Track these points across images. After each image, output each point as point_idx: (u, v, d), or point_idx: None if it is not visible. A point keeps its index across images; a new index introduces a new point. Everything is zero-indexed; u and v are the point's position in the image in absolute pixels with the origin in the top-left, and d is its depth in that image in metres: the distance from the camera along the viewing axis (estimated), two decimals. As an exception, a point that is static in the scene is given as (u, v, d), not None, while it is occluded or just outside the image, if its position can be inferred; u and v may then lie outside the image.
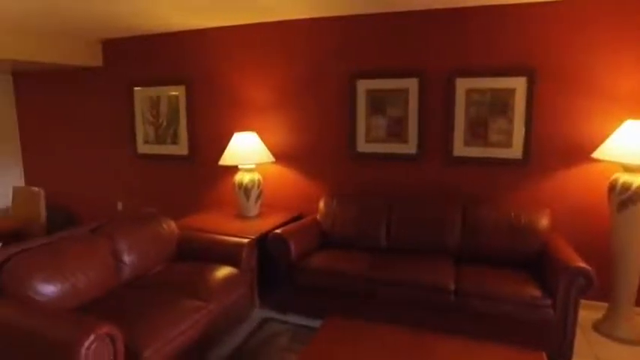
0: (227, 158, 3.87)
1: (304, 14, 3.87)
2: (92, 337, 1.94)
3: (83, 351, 1.91)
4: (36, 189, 3.69)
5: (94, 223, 3.03)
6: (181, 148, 4.67)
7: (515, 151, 3.56)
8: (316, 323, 3.27)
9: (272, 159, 4.01)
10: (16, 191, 3.91)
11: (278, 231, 3.35)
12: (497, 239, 3.29)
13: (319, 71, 4.02)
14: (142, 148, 4.93)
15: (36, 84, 5.68)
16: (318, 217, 3.83)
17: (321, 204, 3.85)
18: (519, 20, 3.42)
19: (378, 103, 3.89)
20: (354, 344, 2.31)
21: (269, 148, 4.08)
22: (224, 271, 3.02)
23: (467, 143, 3.68)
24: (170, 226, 3.32)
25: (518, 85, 3.47)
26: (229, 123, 4.41)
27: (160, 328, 2.32)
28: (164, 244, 3.23)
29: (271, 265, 3.47)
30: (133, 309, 2.48)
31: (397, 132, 3.86)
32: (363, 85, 3.90)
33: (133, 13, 3.75)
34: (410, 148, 3.83)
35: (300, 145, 4.17)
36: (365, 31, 3.83)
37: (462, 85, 3.61)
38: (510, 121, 3.54)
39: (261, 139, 4.07)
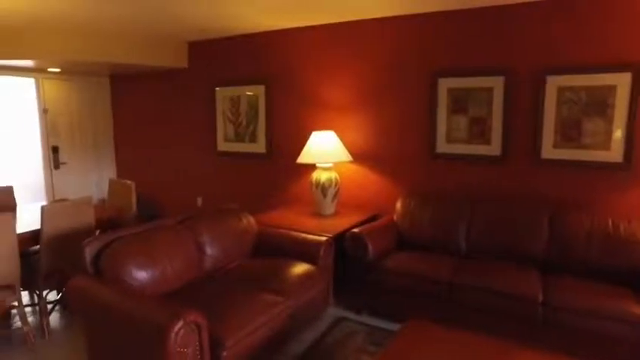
0: (305, 156, 3.91)
1: (384, 13, 3.82)
2: (181, 323, 2.04)
3: (172, 335, 2.01)
4: (128, 182, 3.97)
5: (180, 216, 3.19)
6: (259, 146, 4.80)
7: (615, 154, 3.25)
8: (392, 325, 3.21)
9: (349, 158, 4.00)
10: (112, 183, 4.23)
11: (356, 230, 3.33)
12: (591, 250, 3.03)
13: (399, 70, 3.95)
14: (222, 146, 5.13)
15: (128, 85, 6.14)
16: (394, 217, 3.76)
17: (398, 205, 3.77)
18: (621, 11, 3.12)
19: (459, 102, 3.74)
20: (435, 350, 2.22)
21: (347, 147, 4.08)
22: (301, 268, 3.04)
23: (557, 145, 3.42)
24: (249, 221, 3.42)
25: (621, 81, 3.17)
26: (307, 122, 4.46)
27: (241, 320, 2.38)
28: (243, 239, 3.33)
29: (347, 264, 3.45)
30: (215, 300, 2.57)
31: (480, 132, 3.68)
32: (444, 84, 3.77)
33: (219, 16, 3.91)
34: (493, 149, 3.64)
35: (378, 144, 4.12)
36: (447, 28, 3.70)
37: (553, 82, 3.37)
38: (609, 121, 3.24)
39: (340, 138, 4.07)
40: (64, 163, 5.96)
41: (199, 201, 5.46)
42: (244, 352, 2.40)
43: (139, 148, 6.14)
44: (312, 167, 4.11)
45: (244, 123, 4.92)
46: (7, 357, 2.95)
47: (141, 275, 2.57)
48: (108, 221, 3.64)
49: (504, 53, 3.52)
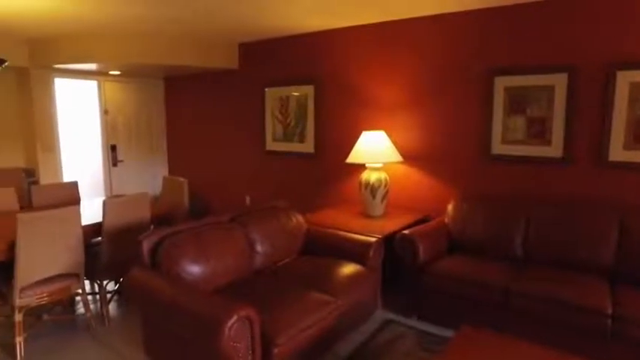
0: (354, 156, 3.88)
1: (438, 10, 3.73)
2: (235, 318, 2.06)
3: (226, 330, 2.03)
4: (181, 179, 4.09)
5: (231, 213, 3.25)
6: (307, 146, 4.82)
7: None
8: (441, 330, 3.12)
9: (400, 158, 3.92)
10: (165, 181, 4.38)
11: (406, 232, 3.26)
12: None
13: (452, 69, 3.84)
14: (270, 146, 5.19)
15: (180, 86, 6.34)
16: (445, 220, 3.66)
17: (450, 207, 3.66)
18: None
19: (517, 101, 3.58)
20: (493, 359, 2.12)
21: (397, 148, 4.01)
22: (351, 269, 3.01)
23: (627, 146, 3.20)
24: (299, 220, 3.43)
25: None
26: (357, 122, 4.42)
27: (292, 318, 2.38)
28: (293, 237, 3.34)
29: (395, 266, 3.39)
30: (266, 297, 2.58)
31: (539, 133, 3.51)
32: (501, 83, 3.63)
33: (269, 17, 3.95)
34: (554, 150, 3.46)
35: (429, 145, 4.02)
36: (504, 24, 3.55)
37: (625, 78, 3.15)
38: (688, 121, 3.00)
39: (390, 138, 4.01)
40: (121, 161, 6.24)
41: (247, 199, 5.55)
42: (294, 349, 2.40)
43: (190, 147, 6.33)
44: (361, 167, 4.07)
45: (293, 123, 4.95)
46: (71, 340, 3.11)
47: (194, 270, 2.63)
48: (161, 217, 3.76)
49: (568, 48, 3.34)
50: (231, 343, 2.07)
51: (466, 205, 3.57)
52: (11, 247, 2.81)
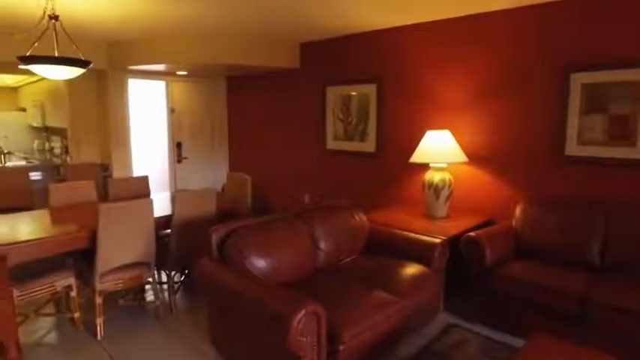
0: (418, 156, 3.81)
1: (507, 4, 3.58)
2: (303, 312, 2.08)
3: (295, 323, 2.05)
4: (245, 175, 4.20)
5: (296, 209, 3.29)
6: (369, 145, 4.79)
7: None
8: (507, 338, 3.01)
9: (465, 159, 3.81)
10: (229, 177, 4.52)
11: (472, 234, 3.16)
12: None
13: (522, 65, 3.67)
14: (331, 144, 5.21)
15: (242, 86, 6.52)
16: (513, 223, 3.50)
17: (518, 210, 3.50)
18: None
19: (596, 99, 3.36)
20: (572, 371, 2.00)
21: (462, 148, 3.89)
22: (415, 269, 2.96)
23: None
24: (362, 218, 3.41)
25: None
26: (420, 121, 4.34)
27: (357, 315, 2.38)
28: (355, 236, 3.33)
29: (460, 269, 3.29)
30: (330, 294, 2.59)
31: (622, 133, 3.27)
32: (577, 79, 3.42)
33: (332, 15, 3.96)
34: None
35: (496, 145, 3.87)
36: (582, 16, 3.34)
37: None
38: None
39: (455, 137, 3.90)
40: (185, 158, 6.51)
41: (307, 197, 5.61)
42: (358, 348, 2.39)
43: (251, 145, 6.49)
44: (424, 167, 3.99)
45: (354, 122, 4.94)
46: (142, 325, 3.28)
47: (260, 264, 2.69)
48: (226, 211, 3.87)
49: (655, 43, 3.09)
50: (299, 337, 2.10)
51: (536, 208, 3.40)
52: (93, 235, 3.01)
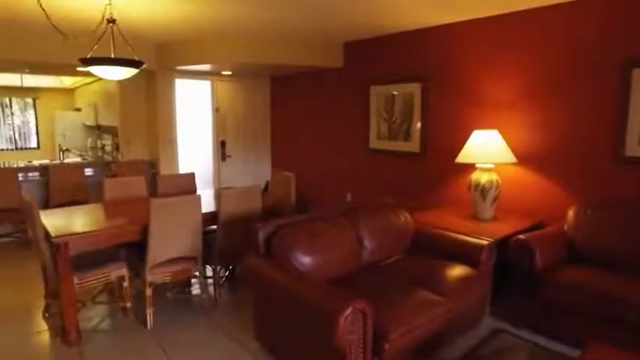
0: (465, 156, 3.73)
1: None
2: (350, 310, 2.08)
3: (342, 320, 2.06)
4: (289, 174, 4.25)
5: (341, 207, 3.30)
6: (413, 145, 4.73)
7: None
8: (557, 346, 2.89)
9: (513, 159, 3.69)
10: (273, 175, 4.58)
11: (522, 236, 3.06)
12: None
13: (576, 62, 3.51)
14: (374, 144, 5.19)
15: (285, 85, 6.60)
16: (565, 227, 3.37)
17: (571, 213, 3.36)
18: None
19: (659, 97, 3.18)
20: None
21: (511, 148, 3.77)
22: (462, 271, 2.90)
23: None
24: (407, 218, 3.38)
25: None
26: (467, 120, 4.25)
27: (403, 315, 2.36)
28: (400, 235, 3.30)
29: (507, 273, 3.20)
30: (375, 292, 2.58)
31: (687, 134, 3.08)
32: (640, 75, 3.24)
33: (380, 14, 3.95)
34: None
35: (547, 145, 3.73)
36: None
37: None
38: None
39: (503, 137, 3.79)
40: (229, 156, 6.66)
41: (348, 196, 5.61)
42: (403, 348, 2.37)
43: (293, 144, 6.56)
44: (470, 168, 3.90)
45: (398, 121, 4.89)
46: (187, 317, 3.39)
47: (306, 260, 2.71)
48: (270, 209, 3.93)
49: None
50: (345, 335, 2.10)
51: (592, 211, 3.25)
52: (144, 228, 3.13)
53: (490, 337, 3.02)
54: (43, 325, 3.33)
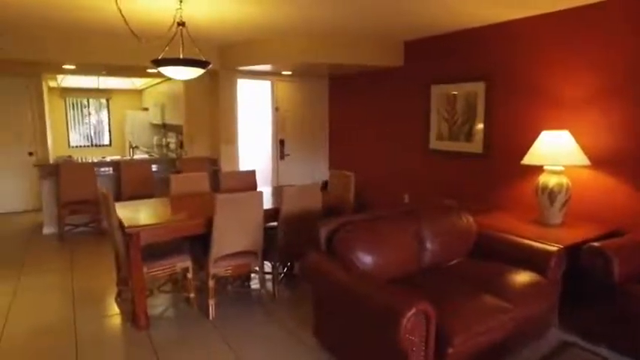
0: (532, 157, 3.56)
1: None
2: (413, 310, 2.05)
3: (404, 321, 2.03)
4: (349, 173, 4.26)
5: (403, 207, 3.26)
6: (475, 146, 4.58)
7: None
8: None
9: (586, 162, 3.48)
10: (333, 174, 4.61)
11: (596, 244, 2.87)
12: None
13: (664, 58, 3.25)
14: (434, 144, 5.08)
15: (344, 85, 6.61)
16: (646, 236, 3.13)
17: (653, 221, 3.12)
18: None
19: None
20: None
21: (583, 150, 3.56)
22: (528, 277, 2.77)
23: None
24: (469, 221, 3.28)
25: None
26: (534, 120, 4.05)
27: (468, 319, 2.29)
28: (462, 238, 3.21)
29: (578, 282, 3.01)
30: (437, 294, 2.51)
31: None
32: None
33: (443, 11, 3.86)
34: None
35: (626, 147, 3.47)
36: None
37: None
38: None
39: (575, 138, 3.58)
40: (287, 155, 6.77)
41: (406, 197, 5.53)
42: (467, 354, 2.30)
43: (351, 144, 6.56)
44: (537, 170, 3.72)
45: (460, 121, 4.76)
46: (246, 310, 3.48)
47: (367, 259, 2.70)
48: (330, 207, 3.95)
49: None
50: (407, 336, 2.07)
51: (677, 220, 3.00)
52: (208, 222, 3.26)
53: (559, 351, 2.85)
54: (116, 309, 3.54)
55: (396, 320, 2.04)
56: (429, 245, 3.02)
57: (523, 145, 3.95)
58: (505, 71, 4.27)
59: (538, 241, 3.01)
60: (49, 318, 3.38)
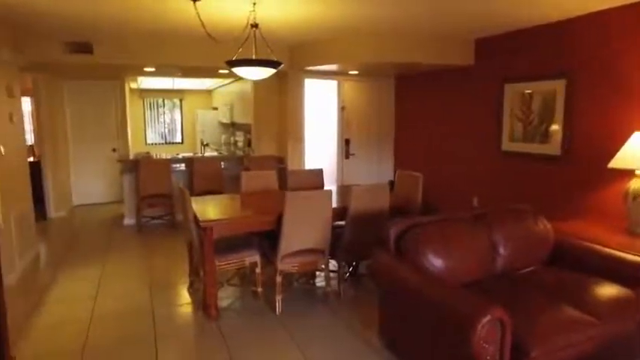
0: (622, 161, 3.29)
1: None
2: (488, 317, 1.97)
3: (479, 327, 1.96)
4: (417, 174, 4.17)
5: (474, 210, 3.15)
6: (553, 147, 4.32)
7: None
8: None
9: (686, 166, 3.17)
10: (400, 174, 4.54)
11: (699, 258, 2.61)
12: None
13: None
14: (507, 146, 4.85)
15: (410, 84, 6.49)
16: None
17: None
18: None
19: None
20: None
21: (683, 153, 3.23)
22: (616, 290, 2.56)
23: None
24: (546, 227, 3.09)
25: None
26: (624, 120, 3.72)
27: (547, 331, 2.16)
28: (538, 244, 3.04)
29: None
30: (512, 302, 2.39)
31: None
32: None
33: (517, 4, 3.67)
34: None
35: None
36: None
37: None
38: None
39: (672, 140, 3.27)
40: (352, 154, 6.77)
41: (475, 201, 5.33)
42: (545, 367, 2.17)
43: (416, 144, 6.44)
44: (626, 175, 3.43)
45: (535, 121, 4.51)
46: (312, 307, 3.54)
47: (437, 262, 2.63)
48: (397, 208, 3.90)
49: None
50: (481, 343, 2.00)
51: None
52: (277, 219, 3.33)
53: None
54: (188, 299, 3.73)
55: (469, 326, 1.97)
56: (502, 250, 2.88)
57: (610, 147, 3.67)
58: (590, 67, 3.98)
59: (628, 252, 2.78)
60: (130, 303, 3.62)
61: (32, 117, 7.58)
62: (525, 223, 3.05)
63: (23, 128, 4.89)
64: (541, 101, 4.43)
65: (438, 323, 2.27)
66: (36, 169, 6.09)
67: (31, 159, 6.63)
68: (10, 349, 2.33)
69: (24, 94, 5.27)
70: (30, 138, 7.66)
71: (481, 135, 5.22)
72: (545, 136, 4.40)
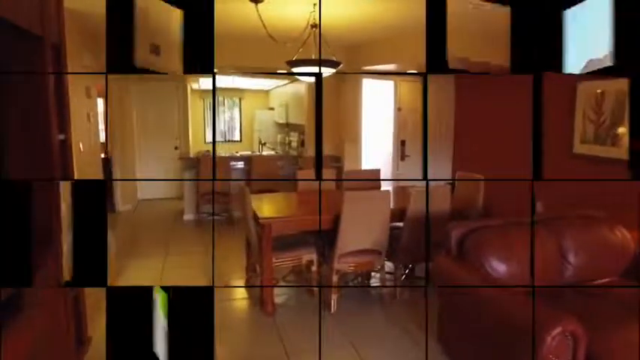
0: None
1: None
2: (559, 329, 1.87)
3: (549, 339, 1.86)
4: (477, 175, 4.04)
5: (540, 214, 2.99)
6: (620, 151, 4.00)
7: None
8: None
9: None
10: (460, 176, 4.42)
11: None
12: None
13: None
14: (577, 148, 4.57)
15: (470, 83, 6.27)
16: None
17: None
18: None
19: None
20: None
21: None
22: None
23: None
24: (625, 236, 2.88)
25: None
26: None
27: (626, 349, 2.01)
28: (615, 254, 2.83)
29: None
30: (586, 315, 2.25)
31: None
32: None
33: None
34: None
35: None
36: None
37: None
38: None
39: None
40: (408, 156, 6.65)
41: (539, 206, 5.06)
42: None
43: (477, 145, 6.20)
44: None
45: (608, 122, 4.21)
46: (366, 308, 3.52)
47: (500, 268, 2.53)
48: (457, 211, 3.78)
49: None
50: (550, 357, 1.89)
51: None
52: (334, 218, 3.33)
53: None
54: (244, 294, 3.83)
55: (541, 338, 1.87)
56: (572, 259, 2.71)
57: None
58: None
59: None
60: (190, 295, 3.76)
61: (103, 117, 8.09)
62: (600, 231, 2.85)
63: (98, 127, 5.23)
64: (614, 100, 4.12)
65: (503, 332, 2.17)
66: (106, 165, 6.49)
67: (103, 155, 7.08)
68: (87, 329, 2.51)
69: (97, 95, 5.64)
70: (101, 136, 8.18)
71: (547, 136, 4.94)
72: (615, 139, 4.09)
